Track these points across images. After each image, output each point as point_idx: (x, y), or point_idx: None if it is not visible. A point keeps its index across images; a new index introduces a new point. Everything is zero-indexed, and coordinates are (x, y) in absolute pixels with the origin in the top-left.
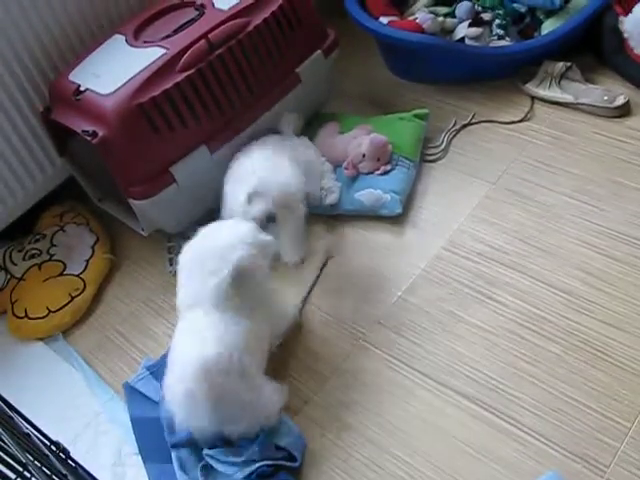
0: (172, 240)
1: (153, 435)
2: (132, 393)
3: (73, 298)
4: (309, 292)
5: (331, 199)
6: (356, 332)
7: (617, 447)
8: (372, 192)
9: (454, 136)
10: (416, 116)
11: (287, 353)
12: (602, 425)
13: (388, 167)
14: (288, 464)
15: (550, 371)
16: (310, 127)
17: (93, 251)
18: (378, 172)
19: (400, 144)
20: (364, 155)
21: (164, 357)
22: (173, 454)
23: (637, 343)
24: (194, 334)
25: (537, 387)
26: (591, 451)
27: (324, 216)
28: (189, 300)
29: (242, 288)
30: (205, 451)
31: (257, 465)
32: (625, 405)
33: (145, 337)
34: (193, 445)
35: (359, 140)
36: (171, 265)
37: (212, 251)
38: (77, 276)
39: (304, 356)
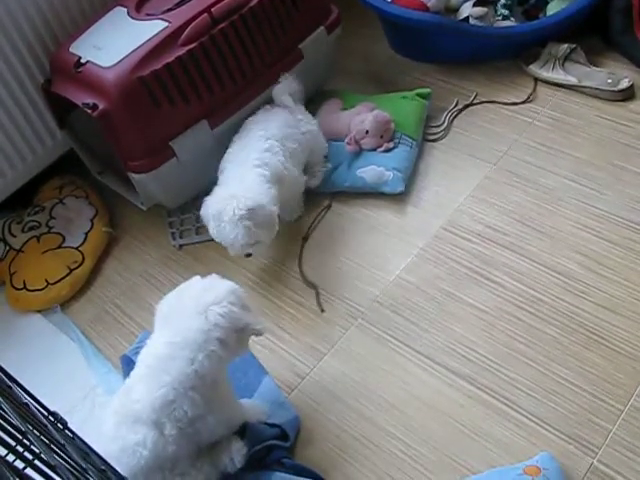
0: (172, 215)
1: None
2: (129, 364)
3: (71, 270)
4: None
5: (312, 183)
6: (354, 310)
7: (609, 429)
8: (375, 169)
9: (456, 116)
10: (419, 95)
11: (284, 328)
12: (595, 407)
13: (391, 144)
14: (280, 443)
15: (545, 353)
16: (312, 103)
17: (92, 224)
18: (381, 149)
19: (403, 122)
20: (367, 131)
21: None
22: None
23: (633, 327)
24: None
25: (532, 368)
26: (583, 432)
27: (326, 193)
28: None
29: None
30: None
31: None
32: (619, 388)
33: (143, 311)
34: None
35: (362, 116)
36: (174, 239)
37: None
38: (76, 249)
39: (301, 333)
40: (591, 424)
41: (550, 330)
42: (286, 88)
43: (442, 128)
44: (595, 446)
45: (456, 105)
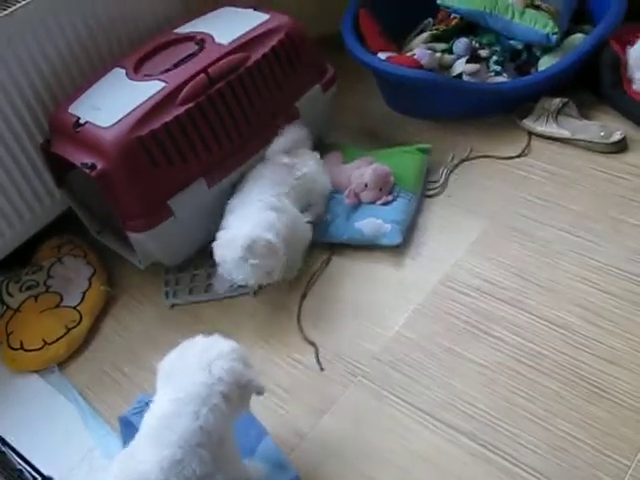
0: (169, 273)
1: None
2: (127, 426)
3: (69, 330)
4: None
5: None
6: (353, 367)
7: None
8: (373, 221)
9: (452, 171)
10: (419, 150)
11: (284, 387)
12: (600, 462)
13: (390, 197)
14: None
15: (547, 407)
16: None
17: (90, 283)
18: (379, 202)
19: (402, 176)
20: (366, 184)
21: None
22: None
23: (635, 379)
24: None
25: (534, 423)
26: None
27: (324, 245)
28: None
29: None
30: None
31: None
32: (624, 442)
33: (142, 371)
34: None
35: (362, 170)
36: (167, 298)
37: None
38: (73, 308)
39: (301, 391)
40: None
41: (551, 384)
42: (279, 146)
43: (439, 183)
44: None
45: (452, 160)
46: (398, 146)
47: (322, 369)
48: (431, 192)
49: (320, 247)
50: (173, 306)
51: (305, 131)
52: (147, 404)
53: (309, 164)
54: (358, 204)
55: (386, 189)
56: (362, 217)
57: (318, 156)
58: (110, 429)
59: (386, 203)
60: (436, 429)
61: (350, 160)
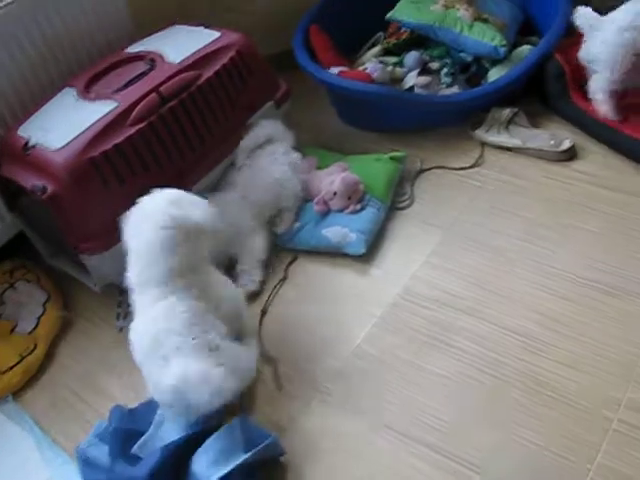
0: (123, 294)
1: None
2: (85, 461)
3: (23, 358)
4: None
5: (281, 229)
6: (315, 383)
7: None
8: (339, 229)
9: (413, 183)
10: (392, 158)
11: (246, 406)
12: (563, 467)
13: (358, 207)
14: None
15: (509, 416)
16: None
17: (45, 308)
18: (348, 210)
19: (373, 185)
20: (335, 193)
21: (111, 421)
22: None
23: (593, 382)
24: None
25: (498, 432)
26: None
27: (288, 251)
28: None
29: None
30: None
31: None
32: (584, 446)
33: (100, 396)
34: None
35: (332, 177)
36: (118, 320)
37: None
38: (28, 334)
39: (261, 410)
40: None
41: (512, 392)
42: (250, 141)
43: (407, 196)
44: None
45: (416, 172)
46: (371, 154)
47: (281, 388)
48: (401, 204)
49: (284, 254)
50: (122, 329)
51: (280, 126)
52: (100, 439)
53: (281, 169)
54: (327, 212)
55: (355, 198)
56: (329, 225)
57: (297, 155)
58: (68, 458)
59: (354, 212)
60: (401, 443)
61: (325, 166)
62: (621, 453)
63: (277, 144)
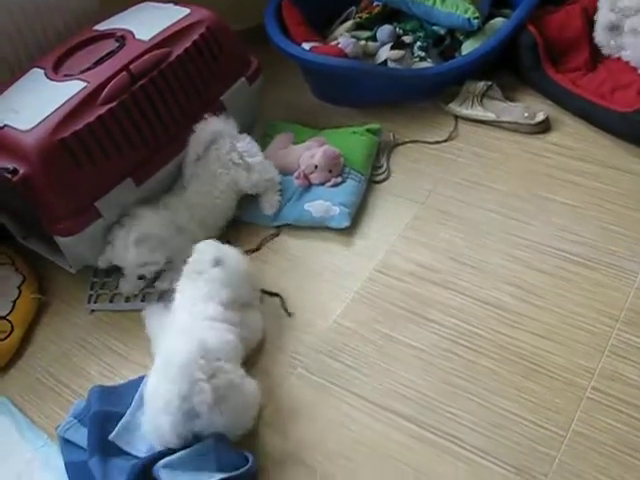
0: (97, 275)
1: (88, 479)
2: (64, 440)
3: (0, 341)
4: None
5: (269, 211)
6: (292, 359)
7: (554, 456)
8: (322, 203)
9: (389, 157)
10: (368, 130)
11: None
12: (538, 436)
13: (339, 179)
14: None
15: (485, 386)
16: (266, 137)
17: (20, 291)
18: (329, 184)
19: (351, 157)
20: (316, 166)
21: (90, 402)
22: None
23: (567, 352)
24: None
25: (474, 403)
26: (529, 462)
27: (270, 227)
28: None
29: None
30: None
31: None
32: (559, 414)
33: (78, 377)
34: None
35: (312, 151)
36: (89, 302)
37: None
38: (4, 318)
39: None
40: (536, 453)
41: (488, 363)
42: (198, 141)
43: (384, 169)
44: (542, 474)
45: (392, 145)
46: (346, 127)
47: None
48: (378, 178)
49: (264, 230)
50: (92, 312)
51: (228, 121)
52: (78, 420)
53: (227, 178)
54: (308, 186)
55: (336, 171)
56: (312, 199)
57: (246, 140)
58: (48, 439)
59: (335, 185)
60: (378, 416)
61: (301, 141)
62: (594, 420)
63: (220, 142)
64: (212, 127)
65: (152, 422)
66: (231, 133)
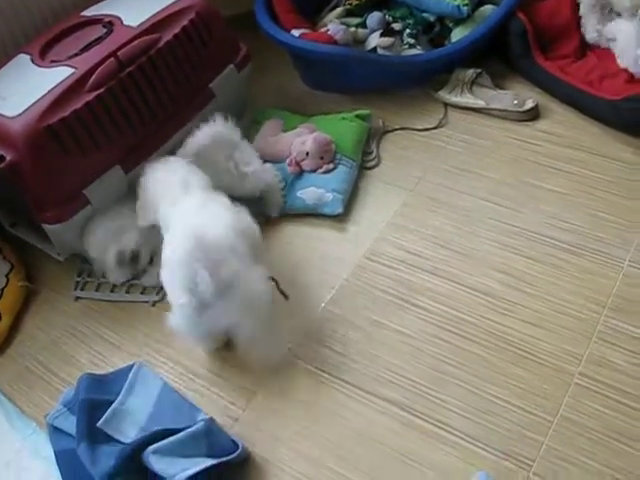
0: (85, 262)
1: (78, 467)
2: (53, 428)
3: None
4: None
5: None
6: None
7: (541, 441)
8: (315, 190)
9: (379, 144)
10: (358, 116)
11: (213, 371)
12: (527, 421)
13: (331, 166)
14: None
15: (474, 372)
16: (255, 124)
17: (7, 280)
18: (321, 170)
19: (342, 144)
20: (307, 153)
21: (78, 390)
22: None
23: (556, 339)
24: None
25: (463, 389)
26: (517, 447)
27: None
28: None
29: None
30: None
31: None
32: (547, 400)
33: (67, 365)
34: (120, 476)
35: (303, 138)
36: (75, 289)
37: None
38: None
39: (230, 373)
40: (524, 438)
41: (477, 349)
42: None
43: (374, 155)
44: (529, 459)
45: (381, 131)
46: (335, 113)
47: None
48: (369, 164)
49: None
50: (77, 299)
51: (231, 127)
52: (68, 408)
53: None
54: (300, 173)
55: (327, 157)
56: (304, 186)
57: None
58: (37, 427)
59: (327, 171)
60: (368, 402)
61: (291, 128)
62: (582, 406)
63: (218, 149)
64: (212, 132)
65: (175, 322)
66: (231, 140)
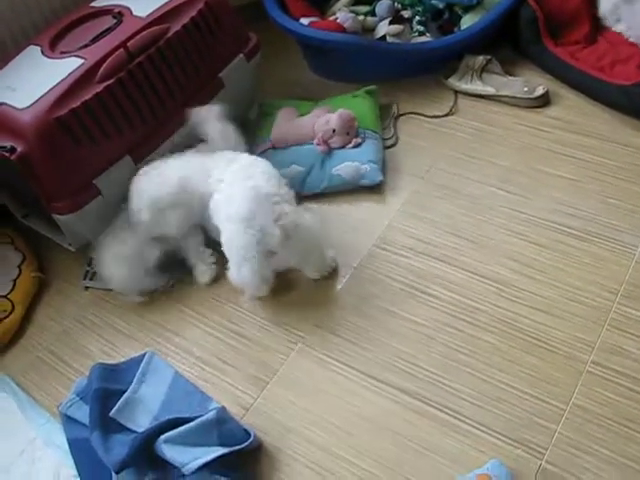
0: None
1: (92, 456)
2: (66, 417)
3: (1, 320)
4: None
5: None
6: (293, 335)
7: (554, 429)
8: (350, 165)
9: (395, 125)
10: (367, 92)
11: (224, 360)
12: (539, 409)
13: (359, 140)
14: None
15: (486, 360)
16: (267, 115)
17: (20, 270)
18: (350, 145)
19: (362, 119)
20: (334, 130)
21: (91, 380)
22: (114, 477)
23: (567, 326)
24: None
25: (474, 377)
26: (530, 435)
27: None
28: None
29: None
30: (161, 437)
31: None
32: (559, 387)
33: (79, 355)
34: (133, 464)
35: (326, 117)
36: (84, 278)
37: None
38: (4, 297)
39: (242, 363)
40: (536, 426)
41: (488, 337)
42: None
43: (392, 134)
44: (542, 447)
45: (394, 113)
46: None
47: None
48: (387, 142)
49: None
50: (87, 288)
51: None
52: (80, 398)
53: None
54: (329, 151)
55: (352, 133)
56: (338, 162)
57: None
58: (51, 417)
59: (357, 145)
60: (379, 390)
61: (306, 112)
62: (594, 393)
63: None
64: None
65: (235, 274)
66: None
